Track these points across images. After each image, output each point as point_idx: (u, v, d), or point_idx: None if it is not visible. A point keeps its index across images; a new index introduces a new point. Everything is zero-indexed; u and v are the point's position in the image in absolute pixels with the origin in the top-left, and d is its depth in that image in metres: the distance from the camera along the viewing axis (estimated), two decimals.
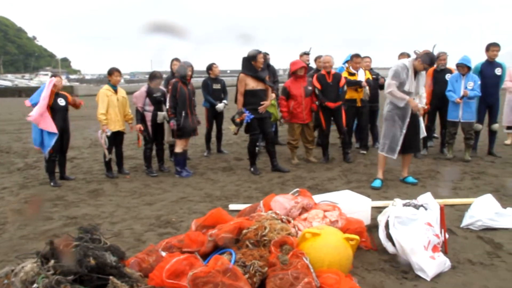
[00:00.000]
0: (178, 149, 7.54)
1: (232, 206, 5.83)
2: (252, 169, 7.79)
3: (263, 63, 7.58)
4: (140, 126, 7.61)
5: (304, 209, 4.44)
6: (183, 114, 7.32)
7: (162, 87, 7.92)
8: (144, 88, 7.73)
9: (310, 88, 8.18)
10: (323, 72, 8.29)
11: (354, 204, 4.96)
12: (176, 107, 7.33)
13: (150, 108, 7.64)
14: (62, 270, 2.99)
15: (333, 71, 8.30)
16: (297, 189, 4.98)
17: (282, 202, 4.45)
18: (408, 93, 6.40)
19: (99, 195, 6.67)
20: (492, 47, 8.37)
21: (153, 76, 7.78)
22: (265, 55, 8.40)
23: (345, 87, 8.39)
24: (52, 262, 3.07)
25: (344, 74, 8.71)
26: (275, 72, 9.57)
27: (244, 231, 3.71)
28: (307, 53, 9.83)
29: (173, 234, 4.84)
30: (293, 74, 8.15)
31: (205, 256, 3.72)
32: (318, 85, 8.16)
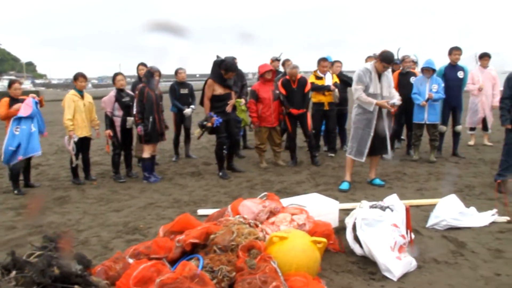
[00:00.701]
0: (145, 154, 7.47)
1: (201, 211, 5.80)
2: (220, 173, 7.77)
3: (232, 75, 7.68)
4: (109, 132, 7.53)
5: (272, 213, 4.44)
6: (151, 119, 7.26)
7: (130, 92, 7.86)
8: (112, 92, 7.65)
9: (277, 92, 8.22)
10: (288, 77, 8.34)
11: (322, 207, 5.00)
12: (144, 112, 7.26)
13: (119, 113, 7.56)
14: (25, 281, 2.92)
15: (299, 75, 8.36)
16: (265, 193, 5.00)
17: (250, 206, 4.45)
18: (374, 95, 6.49)
19: (65, 202, 6.55)
20: (455, 51, 8.59)
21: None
22: (233, 59, 8.43)
23: (310, 93, 8.47)
24: (13, 273, 3.00)
25: (311, 79, 8.77)
26: (243, 76, 9.56)
27: (212, 236, 3.70)
28: (278, 59, 9.90)
29: (141, 240, 4.78)
30: (261, 77, 8.18)
31: (173, 262, 3.70)
32: (283, 91, 8.20)
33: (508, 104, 6.48)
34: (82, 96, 7.40)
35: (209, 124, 7.41)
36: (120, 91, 7.60)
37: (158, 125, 7.39)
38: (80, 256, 3.53)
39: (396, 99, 6.62)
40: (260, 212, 4.40)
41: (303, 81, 8.29)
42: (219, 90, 7.56)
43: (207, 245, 3.70)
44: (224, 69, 7.46)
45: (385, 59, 6.35)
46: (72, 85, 7.90)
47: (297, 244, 3.67)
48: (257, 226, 4.10)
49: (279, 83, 8.32)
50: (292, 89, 8.19)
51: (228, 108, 7.59)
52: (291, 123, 8.36)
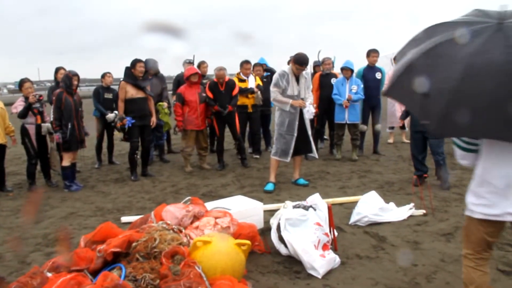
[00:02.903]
0: (65, 162, 7.17)
1: (124, 219, 5.65)
2: (132, 177, 7.72)
3: (142, 72, 7.70)
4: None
5: (196, 217, 4.40)
6: (69, 126, 6.98)
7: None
8: (22, 98, 7.30)
9: (204, 94, 8.17)
10: (215, 79, 8.30)
11: (247, 209, 5.00)
12: (61, 119, 6.97)
13: (32, 120, 7.21)
14: None
15: (227, 77, 8.35)
16: (189, 197, 4.94)
17: (173, 211, 4.38)
18: (292, 97, 6.59)
19: None
20: (372, 53, 8.93)
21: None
22: (155, 62, 8.31)
23: (238, 97, 8.49)
24: None
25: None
26: (164, 80, 9.40)
27: (134, 244, 3.60)
28: (191, 62, 9.84)
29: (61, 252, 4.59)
30: (187, 80, 8.10)
31: (95, 273, 3.56)
32: (210, 94, 8.15)
33: None
34: None
35: (119, 124, 7.44)
36: (27, 99, 7.24)
37: (78, 132, 7.12)
38: None
39: (311, 112, 6.75)
40: (184, 217, 4.35)
41: (231, 84, 8.30)
42: (131, 92, 7.56)
43: (129, 253, 3.60)
44: (131, 66, 7.61)
45: (297, 61, 6.46)
46: None
47: (221, 247, 3.65)
48: (180, 231, 4.04)
49: (206, 86, 8.28)
50: (219, 91, 8.17)
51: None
52: (219, 126, 8.33)
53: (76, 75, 7.26)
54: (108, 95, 8.75)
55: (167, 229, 3.91)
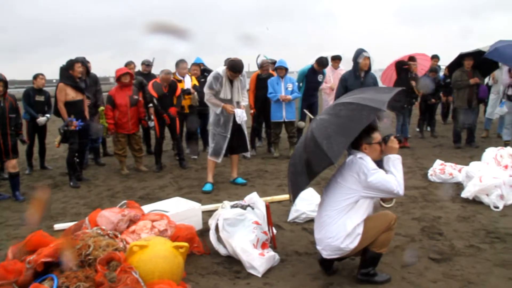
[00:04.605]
0: None
1: (58, 226, 5.43)
2: (71, 183, 7.42)
3: (81, 73, 7.42)
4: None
5: (132, 221, 4.30)
6: None
7: None
8: None
9: (136, 97, 8.00)
10: (158, 80, 8.16)
11: (185, 211, 4.94)
12: None
13: None
14: None
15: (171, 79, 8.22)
16: (125, 201, 4.81)
17: (109, 216, 4.26)
18: (225, 101, 6.59)
19: None
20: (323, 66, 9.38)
21: None
22: (86, 62, 8.06)
23: (182, 96, 8.40)
24: None
25: None
26: (98, 81, 9.11)
27: None
28: (150, 64, 9.66)
29: None
30: (118, 81, 7.90)
31: (26, 286, 3.40)
32: (154, 94, 7.99)
33: None
34: None
35: (73, 127, 7.13)
36: None
37: (10, 140, 6.67)
38: None
39: (242, 117, 6.73)
40: (120, 222, 4.23)
41: (173, 86, 8.19)
42: (71, 94, 7.29)
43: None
44: (69, 67, 7.32)
45: (232, 68, 6.45)
46: None
47: (158, 251, 3.57)
48: (116, 236, 3.91)
49: (150, 86, 8.11)
50: (163, 93, 8.03)
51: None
52: (160, 126, 8.19)
53: (2, 79, 6.69)
54: (40, 98, 8.34)
55: (102, 234, 3.78)
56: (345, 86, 7.12)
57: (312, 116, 9.27)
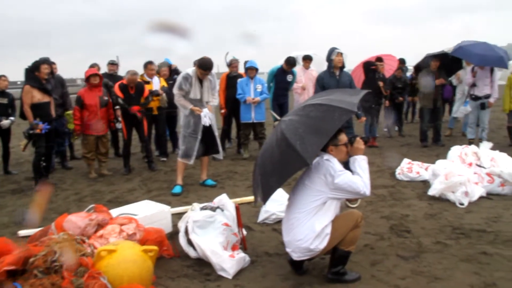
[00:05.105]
0: None
1: (22, 232, 5.29)
2: (37, 187, 7.25)
3: (47, 74, 7.26)
4: None
5: (100, 226, 4.23)
6: None
7: None
8: None
9: (106, 98, 7.89)
10: (125, 82, 8.05)
11: (154, 213, 4.90)
12: None
13: None
14: None
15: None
16: (93, 205, 4.74)
17: (76, 221, 4.18)
18: (195, 100, 6.57)
19: None
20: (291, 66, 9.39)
21: None
22: (51, 64, 7.89)
23: (150, 97, 8.31)
24: None
25: None
26: (64, 83, 8.94)
27: (31, 259, 3.36)
28: (115, 63, 9.51)
29: None
30: (87, 82, 7.79)
31: None
32: (120, 94, 7.89)
33: None
34: None
35: (38, 131, 6.97)
36: None
37: None
38: None
39: (208, 118, 6.68)
40: (87, 226, 4.16)
41: (140, 87, 8.10)
42: (38, 96, 7.12)
43: (26, 270, 3.36)
44: (34, 69, 7.14)
45: (202, 66, 6.45)
46: None
47: (127, 255, 3.53)
48: (83, 241, 3.84)
49: (116, 86, 8.00)
50: (129, 95, 7.93)
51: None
52: (127, 128, 8.08)
53: None
54: (3, 100, 8.15)
55: (69, 240, 3.71)
56: (321, 85, 7.18)
57: (278, 118, 9.32)
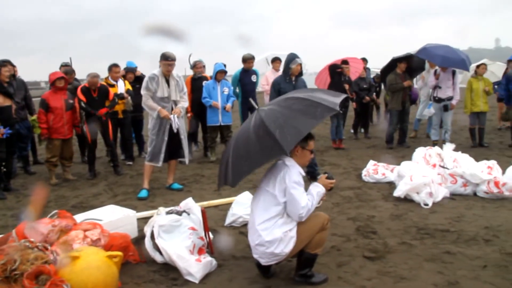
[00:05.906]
0: None
1: None
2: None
3: (8, 77, 7.09)
4: None
5: (63, 232, 4.14)
6: None
7: None
8: None
9: (71, 101, 7.74)
10: (87, 85, 7.91)
11: (119, 218, 4.82)
12: None
13: None
14: None
15: (99, 83, 8.01)
16: (56, 211, 4.63)
17: (38, 227, 4.08)
18: (163, 99, 6.55)
19: None
20: (249, 60, 9.34)
21: None
22: (13, 66, 7.70)
23: (116, 100, 8.21)
24: None
25: None
26: (26, 86, 8.70)
27: None
28: (67, 65, 9.34)
29: None
30: (52, 85, 7.63)
31: None
32: (83, 98, 7.75)
33: None
34: None
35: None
36: None
37: None
38: None
39: (176, 122, 6.64)
40: (50, 233, 4.07)
41: (104, 90, 7.99)
42: None
43: None
44: None
45: (163, 56, 6.48)
46: None
47: (91, 261, 3.47)
48: (46, 248, 3.75)
49: (79, 90, 7.85)
50: (92, 98, 7.81)
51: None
52: (90, 132, 7.92)
53: None
54: None
55: (30, 247, 3.60)
56: (277, 90, 7.18)
57: (256, 106, 9.31)
